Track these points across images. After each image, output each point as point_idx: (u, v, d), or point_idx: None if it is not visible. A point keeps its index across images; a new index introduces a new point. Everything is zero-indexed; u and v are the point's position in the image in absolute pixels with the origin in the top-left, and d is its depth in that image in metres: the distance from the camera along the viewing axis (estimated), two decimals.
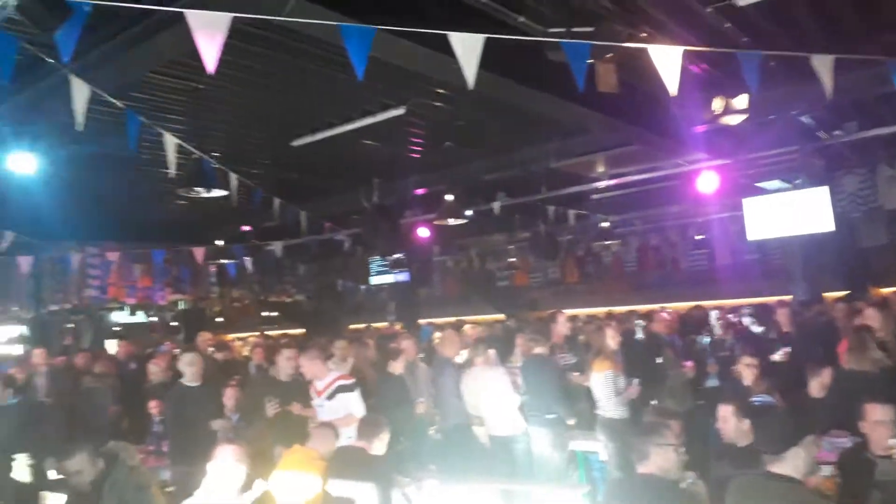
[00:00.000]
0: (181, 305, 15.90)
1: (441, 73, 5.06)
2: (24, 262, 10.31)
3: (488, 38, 3.51)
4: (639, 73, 4.52)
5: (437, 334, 7.40)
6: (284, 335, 13.16)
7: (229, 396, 6.54)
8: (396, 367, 6.51)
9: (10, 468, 5.52)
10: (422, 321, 14.38)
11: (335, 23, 3.36)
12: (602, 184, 9.10)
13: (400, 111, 6.60)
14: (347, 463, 4.08)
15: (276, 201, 7.41)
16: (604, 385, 6.15)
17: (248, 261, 11.96)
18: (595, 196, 10.48)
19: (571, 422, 6.21)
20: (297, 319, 17.52)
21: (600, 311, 13.16)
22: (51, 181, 7.30)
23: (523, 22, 4.38)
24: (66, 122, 5.89)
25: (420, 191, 9.91)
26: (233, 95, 5.84)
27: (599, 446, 6.19)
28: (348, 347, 7.17)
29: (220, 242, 10.81)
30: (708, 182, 8.27)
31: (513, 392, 6.42)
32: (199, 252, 10.43)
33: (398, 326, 12.40)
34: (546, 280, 16.10)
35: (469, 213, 9.40)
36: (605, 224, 12.03)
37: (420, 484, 4.53)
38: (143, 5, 3.32)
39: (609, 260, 14.68)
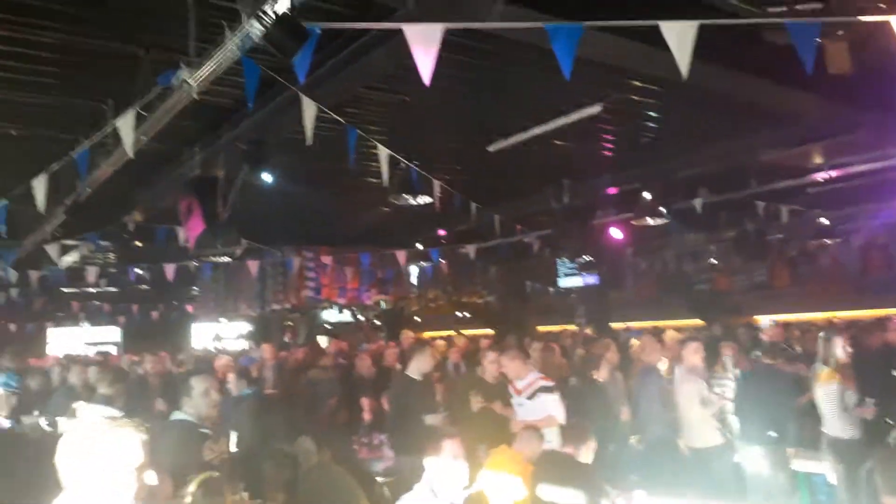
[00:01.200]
0: (383, 305, 16.88)
1: (645, 67, 4.90)
2: (253, 266, 11.62)
3: (702, 24, 3.33)
4: (875, 50, 4.04)
5: (634, 340, 7.13)
6: (480, 336, 13.47)
7: (438, 391, 6.82)
8: (601, 373, 6.38)
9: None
10: (613, 325, 14.01)
11: (542, 24, 3.38)
12: (820, 176, 8.25)
13: (596, 109, 6.48)
14: (555, 469, 4.05)
15: (473, 205, 7.61)
16: (830, 400, 5.54)
17: (443, 263, 12.45)
18: (811, 190, 9.52)
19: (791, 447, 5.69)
20: (487, 320, 17.88)
21: (815, 317, 11.93)
22: (275, 193, 8.15)
23: (737, 4, 4.10)
24: (288, 139, 6.61)
25: (612, 190, 9.67)
26: (436, 105, 6.10)
27: (826, 468, 5.59)
28: (544, 350, 7.16)
29: (419, 246, 11.34)
30: None
31: (715, 403, 6.02)
32: (401, 255, 11.03)
33: (588, 330, 12.20)
34: (751, 283, 14.92)
35: (666, 211, 8.98)
36: (823, 221, 10.88)
37: (629, 495, 4.39)
38: (366, 24, 3.56)
39: (826, 261, 13.27)
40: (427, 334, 16.16)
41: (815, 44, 3.44)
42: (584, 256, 12.56)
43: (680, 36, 3.35)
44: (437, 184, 6.54)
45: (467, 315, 19.14)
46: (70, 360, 10.65)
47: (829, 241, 11.65)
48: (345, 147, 6.00)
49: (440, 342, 10.96)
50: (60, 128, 6.34)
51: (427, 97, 5.86)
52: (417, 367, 6.05)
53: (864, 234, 12.41)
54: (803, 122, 6.95)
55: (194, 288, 18.66)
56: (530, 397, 6.04)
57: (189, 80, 3.85)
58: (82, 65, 5.21)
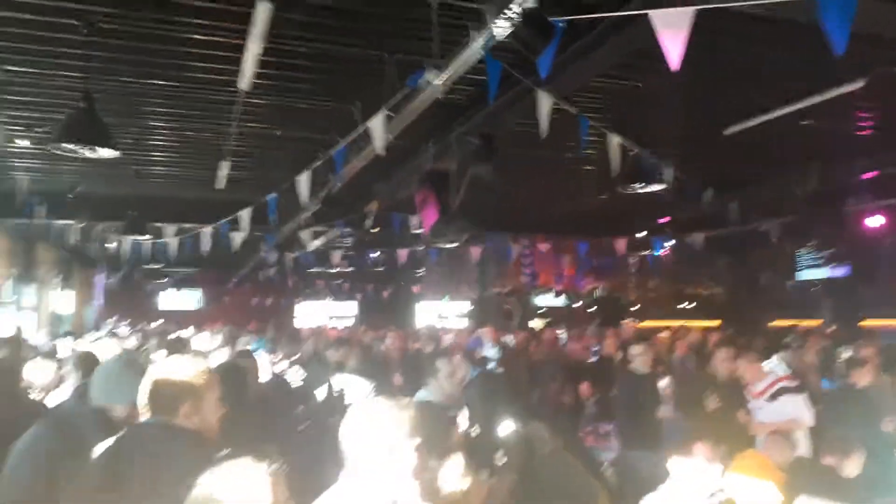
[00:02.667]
0: (598, 293, 16.64)
1: None
2: (475, 252, 12.07)
3: None
4: None
5: None
6: (705, 328, 12.73)
7: (665, 387, 6.58)
8: (863, 377, 5.70)
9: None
10: (865, 323, 12.42)
11: None
12: None
13: (857, 85, 5.72)
14: (814, 480, 3.70)
15: (708, 192, 7.16)
16: None
17: (666, 252, 11.92)
18: None
19: None
20: (713, 312, 16.84)
21: None
22: (497, 182, 8.34)
23: None
24: (513, 131, 6.71)
25: (870, 174, 8.52)
26: (670, 90, 5.81)
27: None
28: (795, 348, 6.56)
29: (641, 234, 10.97)
30: None
31: None
32: (620, 243, 10.76)
33: (833, 328, 10.97)
34: None
35: None
36: None
37: None
38: (612, 13, 3.47)
39: None
40: (644, 324, 15.67)
41: None
42: (830, 246, 11.29)
43: None
44: (668, 171, 6.24)
45: (690, 306, 18.21)
46: (318, 333, 11.93)
47: None
48: (565, 136, 5.97)
49: (664, 335, 10.54)
50: (315, 129, 7.05)
51: (661, 82, 5.60)
52: (642, 362, 5.89)
53: None
54: None
55: (419, 270, 19.91)
56: (771, 399, 5.62)
57: (434, 81, 4.05)
58: (334, 71, 5.70)
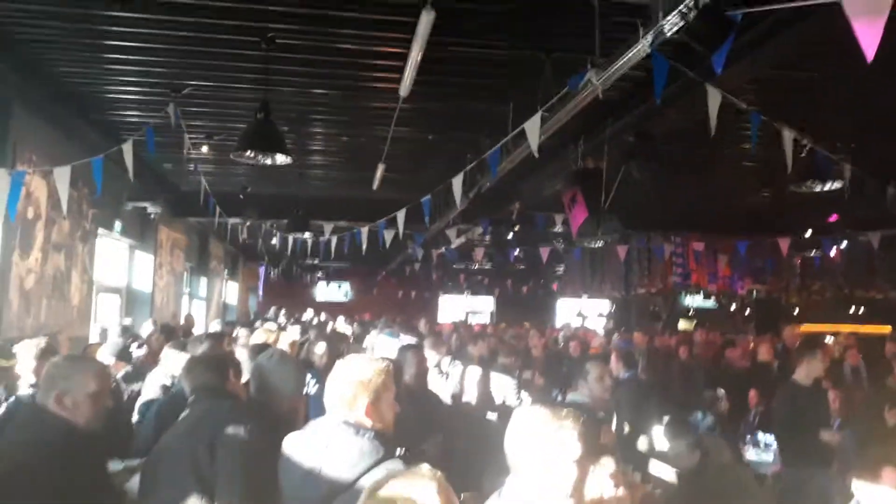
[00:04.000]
0: (755, 295, 15.63)
1: None
2: (622, 251, 11.74)
3: None
4: None
5: None
6: (879, 335, 11.57)
7: (833, 400, 6.05)
8: None
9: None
10: None
11: None
12: None
13: None
14: None
15: (892, 188, 6.49)
16: None
17: (835, 252, 10.96)
18: None
19: None
20: (887, 317, 15.26)
21: None
22: (651, 181, 8.04)
23: None
24: (671, 128, 6.44)
25: None
26: (848, 79, 5.32)
27: None
28: None
29: (807, 233, 10.16)
30: None
31: None
32: (784, 243, 10.03)
33: None
34: None
35: None
36: None
37: None
38: (799, 2, 3.22)
39: None
40: (805, 328, 14.48)
41: None
42: None
43: None
44: (847, 167, 5.73)
45: (860, 310, 16.61)
46: (459, 327, 12.13)
47: None
48: (724, 132, 5.61)
49: (829, 341, 9.70)
50: (468, 130, 7.16)
51: (840, 74, 5.15)
52: (808, 372, 5.36)
53: None
54: None
55: (559, 267, 19.69)
56: None
57: (595, 81, 3.98)
58: (490, 73, 5.75)
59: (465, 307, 23.66)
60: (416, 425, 3.38)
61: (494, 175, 6.44)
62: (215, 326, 10.01)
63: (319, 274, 22.36)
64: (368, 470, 2.20)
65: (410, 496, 1.61)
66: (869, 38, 2.92)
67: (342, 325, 10.78)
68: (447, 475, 1.76)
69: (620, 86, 5.56)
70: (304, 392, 3.55)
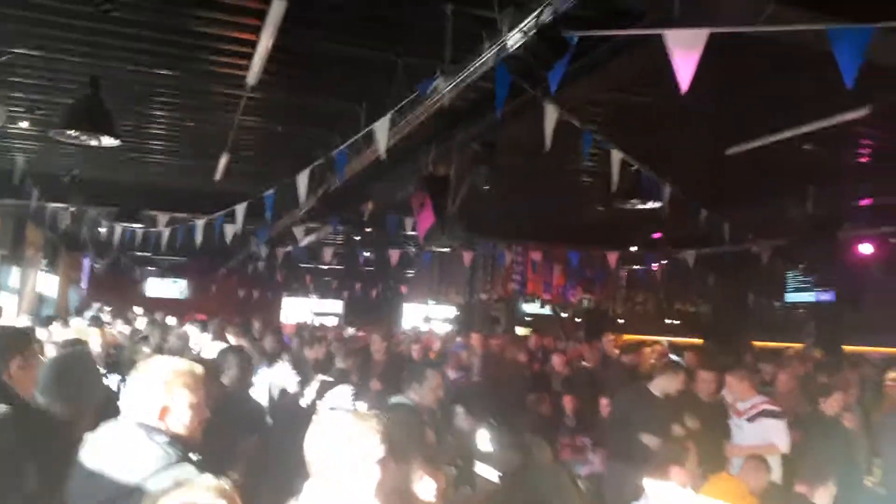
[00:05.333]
0: (586, 304, 16.68)
1: None
2: (467, 257, 12.09)
3: None
4: None
5: (892, 374, 6.32)
6: (688, 345, 12.80)
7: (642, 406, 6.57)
8: (830, 406, 5.71)
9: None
10: (847, 348, 12.52)
11: (824, 27, 3.07)
12: None
13: (861, 112, 5.79)
14: None
15: (704, 211, 7.21)
16: None
17: (656, 267, 11.99)
18: None
19: None
20: (698, 330, 16.92)
21: None
22: (494, 190, 8.38)
23: None
24: (515, 140, 6.72)
25: (865, 201, 8.63)
26: (678, 108, 5.85)
27: None
28: (779, 372, 6.60)
29: (633, 248, 11.03)
30: None
31: None
32: (612, 256, 10.81)
33: (817, 353, 11.06)
34: None
35: None
36: None
37: None
38: (628, 31, 3.49)
39: None
40: (628, 337, 15.73)
41: None
42: (821, 270, 11.40)
43: None
44: (666, 188, 6.28)
45: (675, 322, 18.28)
46: (302, 329, 11.88)
47: None
48: (567, 148, 5.97)
49: (647, 349, 10.55)
50: (318, 127, 7.04)
51: (668, 100, 5.63)
52: (662, 386, 5.63)
53: None
54: None
55: (409, 272, 19.89)
56: (751, 420, 5.64)
57: (443, 88, 4.06)
58: (342, 71, 5.70)
59: (312, 309, 23.21)
60: (232, 430, 3.27)
61: (342, 174, 6.39)
62: (25, 321, 9.04)
63: (152, 268, 20.95)
64: (153, 475, 2.08)
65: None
66: (684, 69, 3.23)
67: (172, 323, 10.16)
68: (265, 481, 1.72)
69: (470, 95, 5.76)
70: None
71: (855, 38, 3.02)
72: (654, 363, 8.55)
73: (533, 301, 17.87)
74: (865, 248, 9.72)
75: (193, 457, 2.17)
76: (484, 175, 6.44)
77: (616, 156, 5.12)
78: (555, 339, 12.87)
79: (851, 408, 6.03)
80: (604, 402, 6.56)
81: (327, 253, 13.34)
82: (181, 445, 2.20)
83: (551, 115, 4.26)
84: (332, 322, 21.33)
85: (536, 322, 18.32)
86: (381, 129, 4.79)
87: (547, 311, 19.01)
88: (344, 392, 5.89)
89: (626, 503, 3.57)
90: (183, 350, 6.17)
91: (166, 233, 9.90)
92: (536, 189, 9.66)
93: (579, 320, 18.59)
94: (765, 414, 5.62)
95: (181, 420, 2.27)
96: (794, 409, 6.13)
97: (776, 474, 5.14)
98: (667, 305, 16.52)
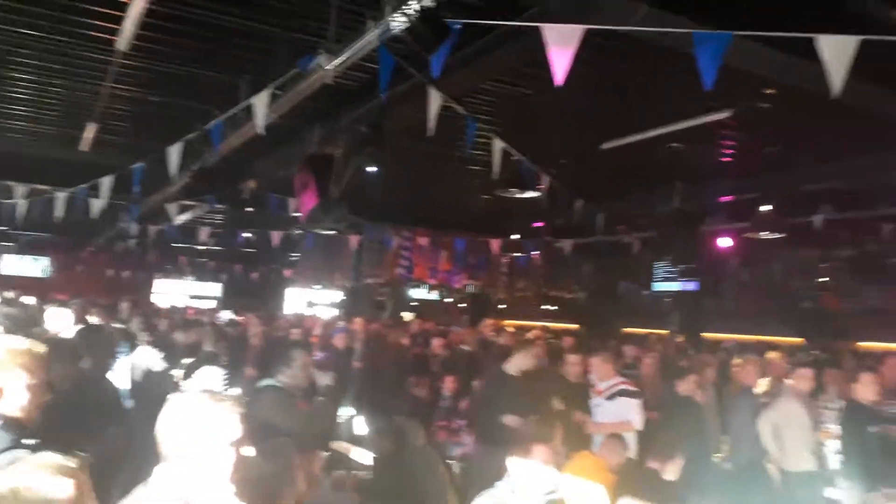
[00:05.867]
0: (470, 290, 17.00)
1: (784, 76, 4.66)
2: (353, 240, 11.97)
3: (863, 40, 3.14)
4: None
5: (738, 360, 6.87)
6: (564, 330, 13.35)
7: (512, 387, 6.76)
8: (688, 387, 6.14)
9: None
10: (707, 335, 13.54)
11: (688, 30, 3.27)
12: None
13: (723, 115, 6.23)
14: (638, 483, 3.95)
15: (579, 202, 7.52)
16: None
17: (536, 255, 12.40)
18: None
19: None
20: (574, 316, 17.71)
21: None
22: (383, 173, 8.34)
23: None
24: (404, 123, 6.71)
25: (727, 198, 9.31)
26: (557, 101, 6.05)
27: None
28: (640, 355, 7.00)
29: (515, 236, 11.34)
30: None
31: (816, 431, 5.72)
32: (495, 244, 11.07)
33: (680, 338, 11.88)
34: (863, 307, 14.02)
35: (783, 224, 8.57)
36: None
37: None
38: (508, 23, 3.55)
39: None
40: (509, 322, 16.26)
41: None
42: (685, 261, 12.21)
43: (836, 51, 3.17)
44: (545, 179, 6.49)
45: (553, 308, 19.05)
46: (173, 312, 11.35)
47: None
48: (455, 135, 6.04)
49: (529, 335, 10.90)
50: (195, 98, 6.70)
51: (549, 93, 5.80)
52: (518, 365, 5.84)
53: None
54: None
55: (293, 254, 19.41)
56: (609, 398, 5.93)
57: (326, 66, 3.98)
58: (223, 42, 5.45)
59: (188, 291, 22.15)
60: (86, 413, 3.07)
61: (217, 149, 6.13)
62: None
63: (9, 244, 19.24)
64: None
65: (32, 486, 1.45)
66: (560, 63, 3.33)
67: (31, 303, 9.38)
68: (125, 465, 1.61)
69: (359, 76, 5.68)
70: None
71: (715, 42, 3.23)
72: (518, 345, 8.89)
73: (419, 286, 18.03)
74: (725, 242, 10.48)
75: (30, 441, 2.01)
76: (371, 158, 6.37)
77: (498, 145, 5.21)
78: (438, 323, 13.05)
79: (705, 389, 6.51)
80: (477, 384, 6.72)
81: (205, 233, 12.75)
82: (15, 429, 2.04)
83: (435, 100, 4.27)
84: (209, 305, 20.50)
85: (423, 307, 18.50)
86: (261, 104, 4.63)
87: (433, 296, 19.24)
88: (213, 375, 5.68)
89: (491, 483, 3.64)
90: (30, 329, 5.72)
91: (24, 205, 9.10)
92: (424, 175, 9.71)
93: (464, 305, 18.99)
94: (622, 393, 5.92)
95: (17, 402, 2.10)
96: (653, 389, 6.54)
97: (633, 451, 5.46)
98: (545, 292, 17.14)
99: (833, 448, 5.79)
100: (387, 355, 8.81)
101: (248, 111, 5.24)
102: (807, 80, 3.43)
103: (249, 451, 1.96)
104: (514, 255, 12.27)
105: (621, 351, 7.81)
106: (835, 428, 5.83)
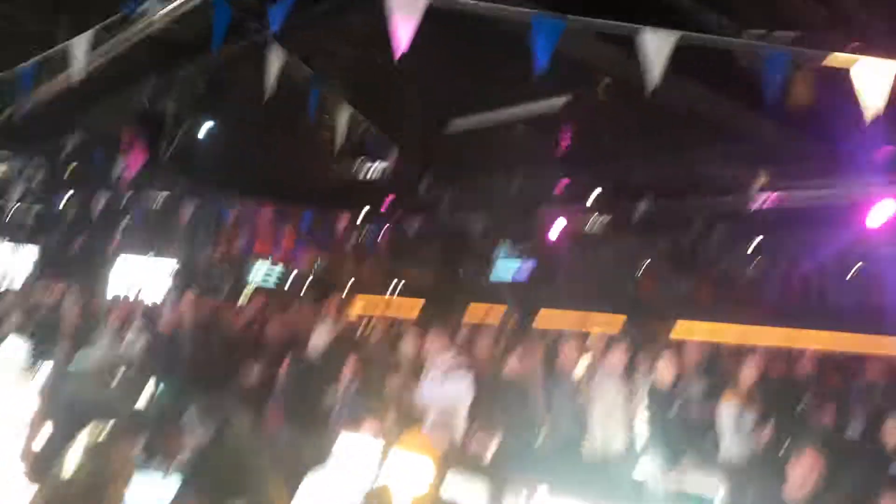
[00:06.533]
0: (317, 267, 16.65)
1: (615, 69, 4.94)
2: (187, 208, 11.21)
3: (681, 37, 3.38)
4: (836, 85, 4.19)
5: (562, 341, 7.25)
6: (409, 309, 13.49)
7: (349, 366, 6.71)
8: (511, 366, 6.38)
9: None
10: (540, 314, 14.25)
11: (528, 10, 3.35)
12: (762, 199, 8.58)
13: (559, 102, 6.52)
14: (462, 458, 4.06)
15: (426, 178, 7.57)
16: (730, 420, 5.72)
17: (385, 232, 12.34)
18: (751, 210, 9.89)
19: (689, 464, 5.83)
20: (420, 293, 17.92)
21: (733, 333, 12.44)
22: (223, 137, 7.90)
23: (720, 22, 4.17)
24: (246, 85, 6.36)
25: (563, 184, 9.79)
26: (406, 75, 6.01)
27: (715, 485, 5.77)
28: (473, 335, 7.19)
29: (364, 211, 11.23)
30: (880, 212, 7.58)
31: (630, 409, 6.17)
32: (343, 219, 10.88)
33: (515, 317, 12.37)
34: (677, 292, 15.42)
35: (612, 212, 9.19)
36: (755, 242, 11.35)
37: (532, 491, 4.43)
38: None
39: (750, 280, 13.82)
40: (358, 300, 16.13)
41: (784, 72, 3.54)
42: (524, 245, 12.76)
43: (657, 46, 3.38)
44: (393, 151, 6.45)
45: (399, 286, 19.16)
46: None
47: (756, 262, 12.16)
48: (301, 99, 5.83)
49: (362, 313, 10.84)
50: (7, 39, 5.93)
51: (398, 66, 5.75)
52: (321, 338, 5.93)
53: (791, 261, 12.98)
54: (757, 144, 7.18)
55: (123, 221, 17.89)
56: (443, 379, 6.05)
57: (154, 13, 3.65)
58: None
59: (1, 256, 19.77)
60: None
61: (26, 97, 5.47)
62: None
63: None
64: None
65: None
66: (402, 33, 3.29)
67: None
68: None
69: (193, 27, 5.28)
70: None
71: (550, 28, 3.34)
72: (370, 327, 8.85)
73: (262, 261, 17.34)
74: (560, 227, 11.02)
75: None
76: (206, 118, 6.00)
77: (345, 112, 5.09)
78: (280, 301, 12.62)
79: (532, 368, 6.78)
80: (293, 365, 6.63)
81: (17, 191, 11.40)
82: None
83: (276, 58, 4.06)
84: (21, 275, 18.46)
85: (266, 285, 17.86)
86: (79, 49, 4.17)
87: (276, 273, 18.61)
88: (18, 349, 5.11)
89: (321, 462, 3.60)
90: None
91: None
92: (268, 142, 9.28)
93: (309, 283, 18.57)
94: (455, 374, 6.02)
95: None
96: (484, 368, 6.73)
97: (461, 429, 5.58)
98: (393, 270, 17.20)
99: (641, 427, 6.27)
100: (219, 335, 8.38)
101: (67, 57, 4.72)
102: (635, 75, 3.64)
103: (48, 428, 1.78)
104: (363, 231, 12.11)
105: (458, 330, 7.97)
106: (643, 407, 6.31)
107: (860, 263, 12.30)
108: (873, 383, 7.98)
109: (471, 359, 6.70)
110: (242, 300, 13.40)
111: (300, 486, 3.48)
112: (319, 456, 3.66)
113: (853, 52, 3.62)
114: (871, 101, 3.40)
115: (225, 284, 17.17)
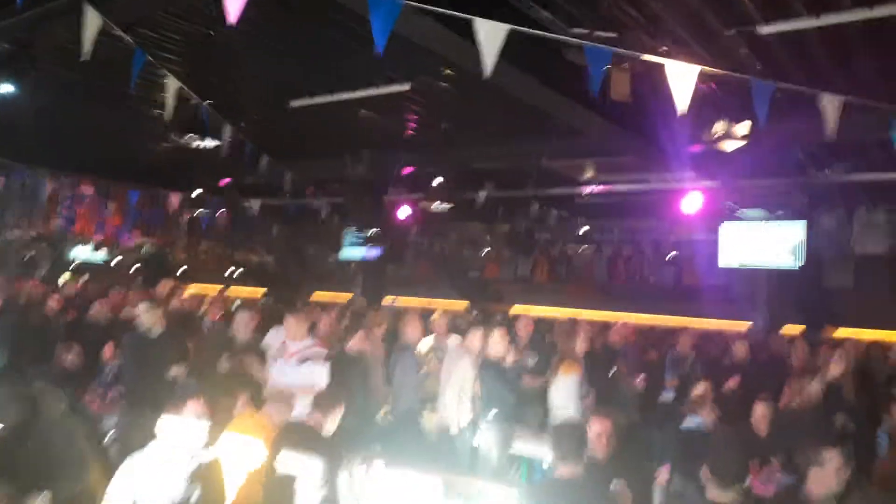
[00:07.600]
0: (146, 249, 15.60)
1: (456, 57, 5.05)
2: None
3: (512, 29, 3.52)
4: (650, 84, 4.57)
5: (403, 318, 7.36)
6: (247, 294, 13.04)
7: (179, 347, 6.40)
8: (353, 343, 6.40)
9: None
10: (386, 299, 14.36)
11: None
12: (589, 188, 9.19)
13: (404, 87, 6.55)
14: (297, 435, 4.00)
15: (265, 158, 7.31)
16: (569, 390, 6.12)
17: (222, 214, 11.82)
18: (579, 199, 10.58)
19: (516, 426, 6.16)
20: (261, 279, 17.36)
21: (565, 313, 13.26)
22: (36, 105, 7.11)
23: (549, 18, 4.39)
24: (65, 48, 5.77)
25: (408, 169, 9.88)
26: (241, 48, 5.74)
27: (546, 451, 6.15)
28: (327, 317, 7.11)
29: (198, 191, 10.64)
30: (691, 202, 8.40)
31: (468, 384, 6.40)
32: (175, 198, 10.26)
33: (361, 301, 12.37)
34: (515, 275, 16.19)
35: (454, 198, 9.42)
36: (584, 228, 12.17)
37: (368, 464, 4.47)
38: None
39: (581, 264, 14.83)
40: (194, 286, 15.30)
41: (604, 69, 3.80)
42: (371, 229, 12.72)
43: (489, 35, 3.49)
44: (227, 128, 6.16)
45: (240, 272, 18.41)
46: None
47: (585, 247, 13.05)
48: (126, 69, 5.41)
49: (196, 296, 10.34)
50: None
51: (234, 39, 5.49)
52: (150, 322, 5.71)
53: (615, 246, 14.08)
54: (585, 138, 7.66)
55: None
56: (299, 363, 5.94)
57: None
58: None
59: None
60: None
61: None
62: None
63: None
64: None
65: None
66: (234, 1, 3.15)
67: None
68: None
69: None
70: None
71: (388, 9, 3.34)
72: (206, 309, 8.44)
73: (83, 242, 15.96)
74: (406, 211, 11.14)
75: None
76: (14, 82, 5.39)
77: (173, 84, 4.79)
78: (104, 285, 11.69)
79: (374, 345, 6.83)
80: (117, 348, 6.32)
81: None
82: None
83: (92, 21, 3.73)
84: None
85: (88, 268, 16.47)
86: None
87: (100, 254, 17.21)
88: None
89: (143, 444, 3.41)
90: None
91: None
92: (90, 112, 8.47)
93: (137, 266, 17.35)
94: (312, 358, 5.94)
95: None
96: (327, 347, 6.69)
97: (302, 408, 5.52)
98: (231, 254, 16.51)
99: (478, 399, 6.54)
100: (35, 318, 7.65)
101: None
102: (471, 62, 3.74)
103: None
104: (197, 212, 11.48)
105: (309, 314, 7.84)
106: (480, 380, 6.58)
107: (674, 252, 13.56)
108: (683, 354, 8.90)
109: (319, 339, 6.64)
110: (62, 281, 12.28)
111: (117, 471, 3.28)
112: (144, 440, 3.46)
113: (662, 55, 3.97)
114: (679, 102, 3.74)
115: (43, 264, 15.64)
